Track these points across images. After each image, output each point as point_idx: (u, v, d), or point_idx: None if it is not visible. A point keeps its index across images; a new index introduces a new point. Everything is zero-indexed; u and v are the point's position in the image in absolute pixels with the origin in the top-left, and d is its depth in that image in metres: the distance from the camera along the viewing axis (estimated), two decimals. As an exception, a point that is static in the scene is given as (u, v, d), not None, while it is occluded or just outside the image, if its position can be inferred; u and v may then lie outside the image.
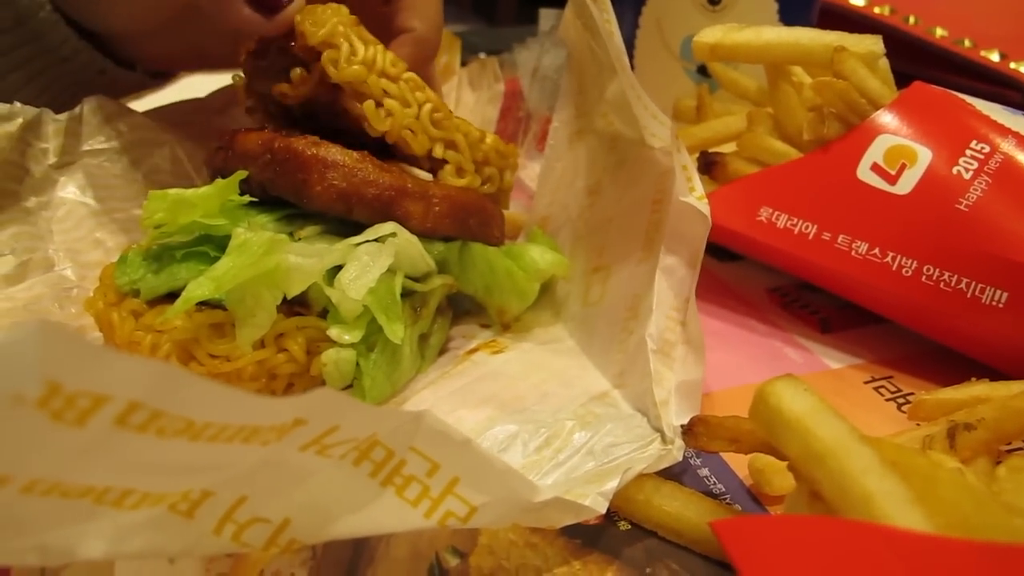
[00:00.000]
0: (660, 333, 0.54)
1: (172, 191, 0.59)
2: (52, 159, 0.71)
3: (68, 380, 0.27)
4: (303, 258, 0.54)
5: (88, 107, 0.73)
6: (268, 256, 0.53)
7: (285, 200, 0.60)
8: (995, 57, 0.98)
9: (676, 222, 0.56)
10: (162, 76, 0.80)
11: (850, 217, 0.61)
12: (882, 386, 0.59)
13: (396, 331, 0.54)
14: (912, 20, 1.04)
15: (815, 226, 0.62)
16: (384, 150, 0.64)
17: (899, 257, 0.59)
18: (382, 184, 0.58)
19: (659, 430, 0.52)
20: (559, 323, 0.65)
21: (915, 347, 0.63)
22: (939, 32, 1.02)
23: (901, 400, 0.58)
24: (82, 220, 0.71)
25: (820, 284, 0.64)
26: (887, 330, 0.64)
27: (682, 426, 0.50)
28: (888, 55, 0.65)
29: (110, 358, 0.27)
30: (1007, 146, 0.59)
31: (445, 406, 0.55)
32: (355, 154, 0.59)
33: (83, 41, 0.71)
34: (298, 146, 0.59)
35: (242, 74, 0.70)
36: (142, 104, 0.80)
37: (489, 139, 0.64)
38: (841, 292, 0.63)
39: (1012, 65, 0.97)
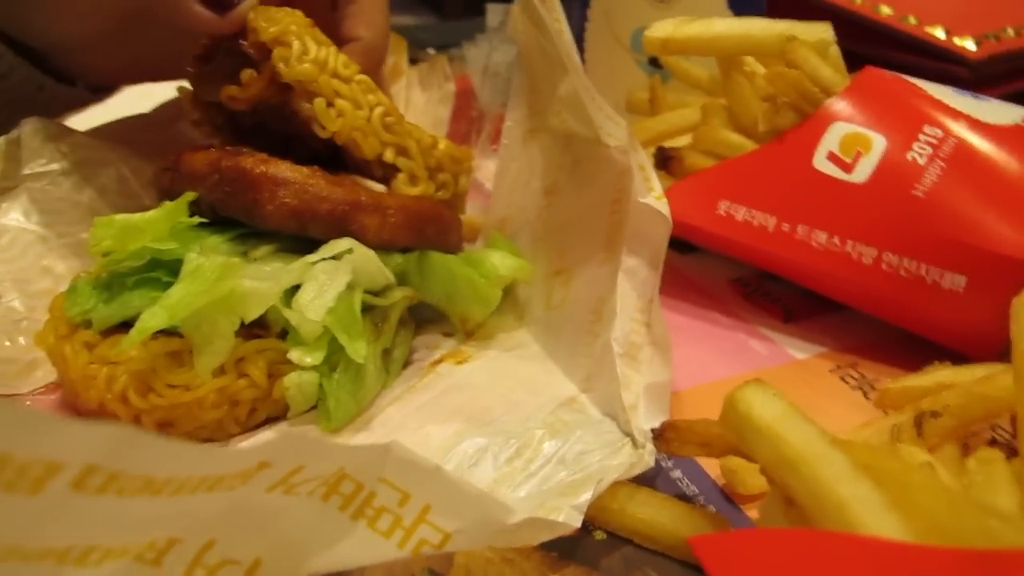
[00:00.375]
0: (625, 336, 0.54)
1: (119, 216, 0.58)
2: (-8, 186, 0.69)
3: (19, 450, 0.26)
4: (259, 281, 0.53)
5: (27, 129, 0.70)
6: (222, 281, 0.52)
7: (237, 220, 0.59)
8: (940, 33, 0.99)
9: (636, 223, 0.56)
10: (103, 90, 0.77)
11: (808, 207, 0.61)
12: (848, 374, 0.60)
13: (358, 350, 0.54)
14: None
15: (774, 217, 0.62)
16: (334, 157, 0.63)
17: (858, 245, 0.59)
18: (335, 199, 0.57)
19: (629, 434, 0.52)
20: (523, 327, 0.64)
21: (877, 333, 0.63)
22: (884, 10, 1.02)
23: (867, 388, 0.59)
24: (28, 247, 0.69)
25: (782, 275, 0.65)
26: (849, 316, 0.65)
27: (653, 431, 0.49)
28: (835, 35, 0.65)
29: (61, 425, 0.26)
30: (959, 130, 0.59)
31: (412, 423, 0.54)
32: (305, 170, 0.58)
33: (19, 58, 0.69)
34: (246, 164, 0.57)
35: (188, 85, 0.68)
36: (83, 120, 0.78)
37: (442, 144, 0.63)
38: (803, 282, 0.64)
39: (957, 41, 0.97)
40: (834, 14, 1.05)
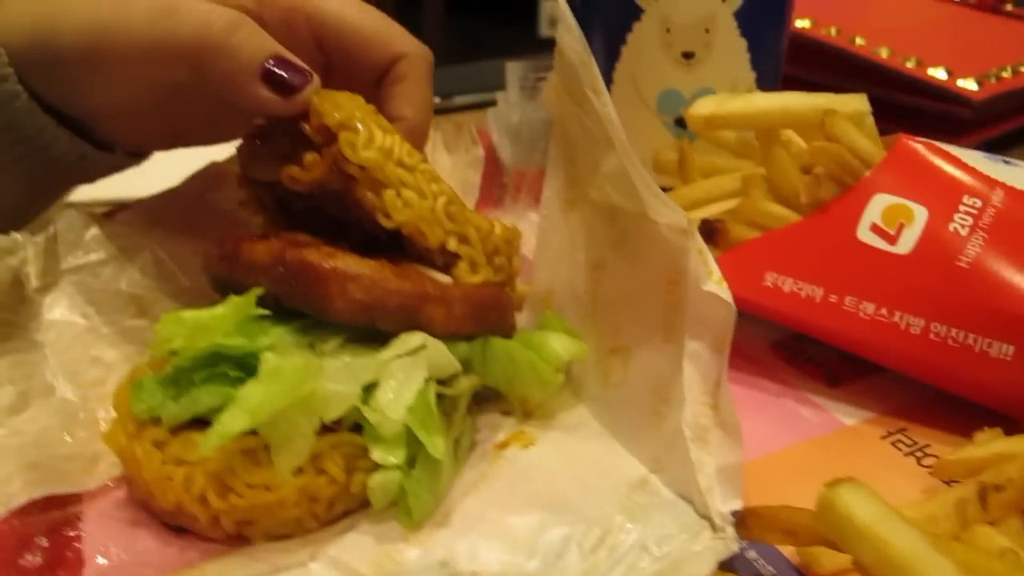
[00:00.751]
0: (695, 419, 0.56)
1: (187, 314, 0.58)
2: (35, 283, 0.69)
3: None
4: (340, 384, 0.54)
5: (63, 223, 0.71)
6: (304, 383, 0.53)
7: (298, 310, 0.59)
8: (941, 75, 1.02)
9: (697, 307, 0.57)
10: (140, 155, 0.78)
11: (855, 278, 0.63)
12: (899, 440, 0.62)
13: (437, 445, 0.55)
14: (858, 41, 1.07)
15: (821, 289, 0.64)
16: (390, 241, 0.64)
17: (906, 316, 0.61)
18: (404, 292, 0.58)
19: (707, 517, 0.54)
20: (580, 404, 0.66)
21: (923, 395, 0.65)
22: (884, 52, 1.05)
23: (920, 454, 0.61)
24: (75, 339, 0.69)
25: (830, 343, 0.67)
26: (893, 378, 0.67)
27: (734, 515, 0.51)
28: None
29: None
30: (996, 199, 0.62)
31: (491, 514, 0.55)
32: (373, 263, 0.59)
33: (61, 128, 0.69)
34: (312, 259, 0.58)
35: (238, 164, 0.69)
36: (113, 184, 0.78)
37: (498, 229, 0.64)
38: (850, 350, 0.66)
39: (959, 82, 1.01)
40: (834, 55, 1.09)
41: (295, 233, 0.65)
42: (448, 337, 0.60)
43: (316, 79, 0.62)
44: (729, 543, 0.51)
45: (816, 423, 0.64)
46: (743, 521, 0.50)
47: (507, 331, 0.64)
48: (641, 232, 0.64)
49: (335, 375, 0.54)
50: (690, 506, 0.55)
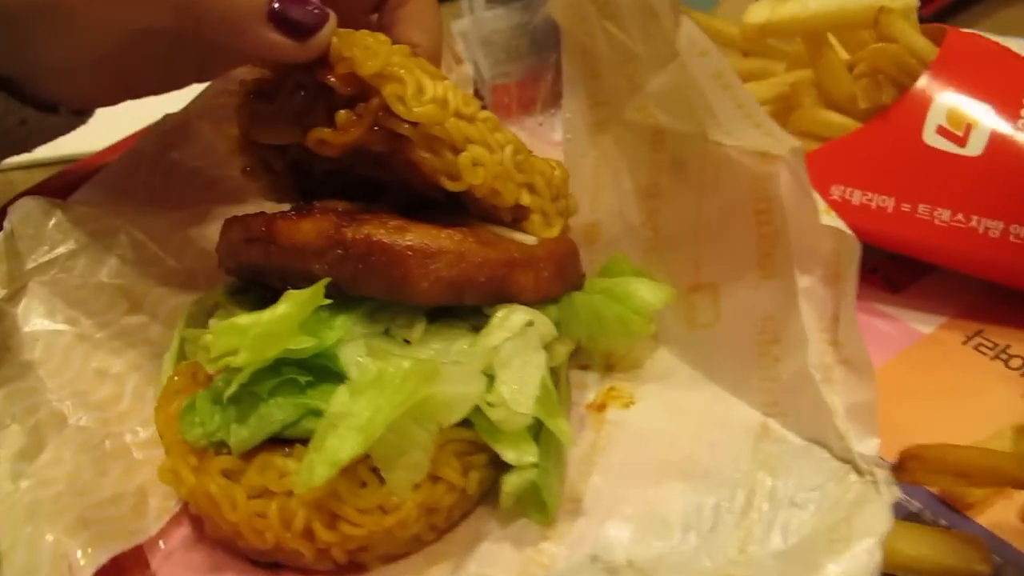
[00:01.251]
0: (819, 359, 0.53)
1: (244, 320, 0.49)
2: (0, 292, 0.57)
3: None
4: (459, 385, 0.47)
5: (17, 217, 0.59)
6: (418, 389, 0.46)
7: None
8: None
9: (800, 238, 0.54)
10: (84, 113, 0.65)
11: (926, 185, 0.61)
12: (980, 344, 0.62)
13: (567, 432, 0.50)
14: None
15: (892, 199, 0.62)
16: (436, 199, 0.56)
17: (984, 220, 0.60)
18: (492, 263, 0.51)
19: (848, 461, 0.51)
20: (661, 347, 0.62)
21: (985, 292, 0.65)
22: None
23: (1004, 356, 0.61)
24: (69, 351, 0.59)
25: (905, 254, 0.65)
26: (948, 276, 0.66)
27: (890, 462, 0.49)
28: None
29: None
30: (1057, 91, 0.61)
31: (626, 492, 0.52)
32: (451, 233, 0.51)
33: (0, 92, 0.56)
34: (380, 236, 0.50)
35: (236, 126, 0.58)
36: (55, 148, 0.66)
37: (558, 170, 0.57)
38: (927, 259, 0.64)
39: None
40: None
41: (330, 201, 0.56)
42: (537, 302, 0.54)
43: (333, 17, 0.52)
44: (889, 488, 0.49)
45: (895, 336, 0.63)
46: (903, 465, 0.48)
47: (581, 282, 0.58)
48: (702, 156, 0.59)
49: (454, 378, 0.47)
50: (825, 450, 0.53)
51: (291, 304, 0.49)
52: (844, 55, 0.65)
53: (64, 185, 0.67)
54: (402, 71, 0.51)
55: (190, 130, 0.71)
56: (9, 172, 0.87)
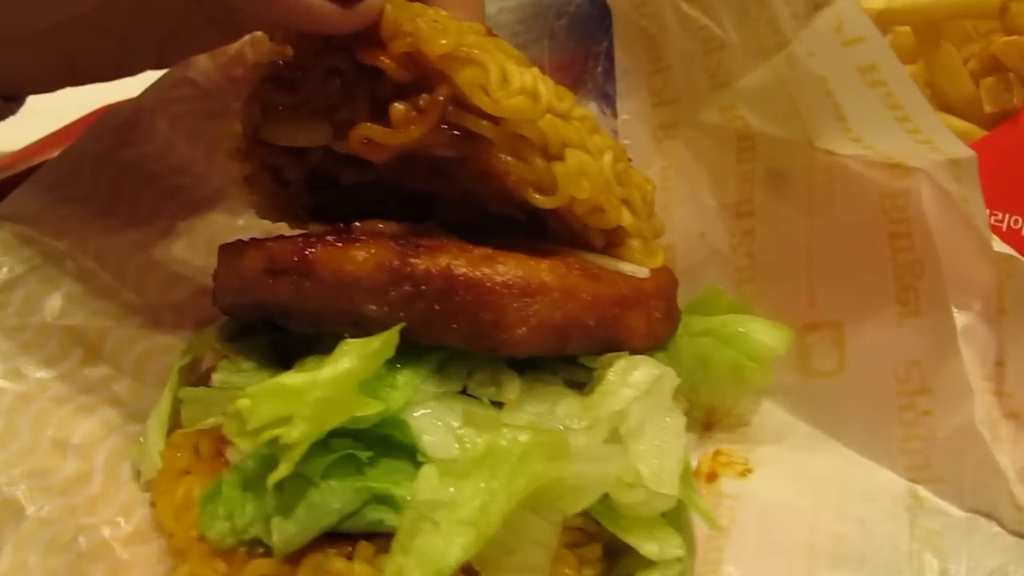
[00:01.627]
0: (986, 413, 0.49)
1: (291, 381, 0.42)
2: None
3: None
4: (591, 463, 0.41)
5: None
6: (545, 470, 0.40)
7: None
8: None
9: (954, 267, 0.51)
10: (15, 100, 0.58)
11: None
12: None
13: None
14: None
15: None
16: (514, 224, 0.50)
17: None
18: (602, 300, 0.46)
19: (1025, 536, 0.48)
20: (766, 399, 0.57)
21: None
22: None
23: None
24: (11, 416, 0.51)
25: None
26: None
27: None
28: None
29: None
30: None
31: (773, 583, 0.46)
32: (555, 265, 0.45)
33: None
34: (463, 268, 0.44)
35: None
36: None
37: (650, 184, 0.52)
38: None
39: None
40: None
41: (372, 222, 0.49)
42: (648, 349, 0.48)
43: None
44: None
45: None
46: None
47: (678, 321, 0.53)
48: (809, 167, 0.56)
49: (587, 454, 0.41)
50: (994, 523, 0.49)
51: (355, 358, 0.42)
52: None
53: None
54: (482, 53, 0.45)
55: (143, 126, 0.63)
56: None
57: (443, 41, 0.44)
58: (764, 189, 0.58)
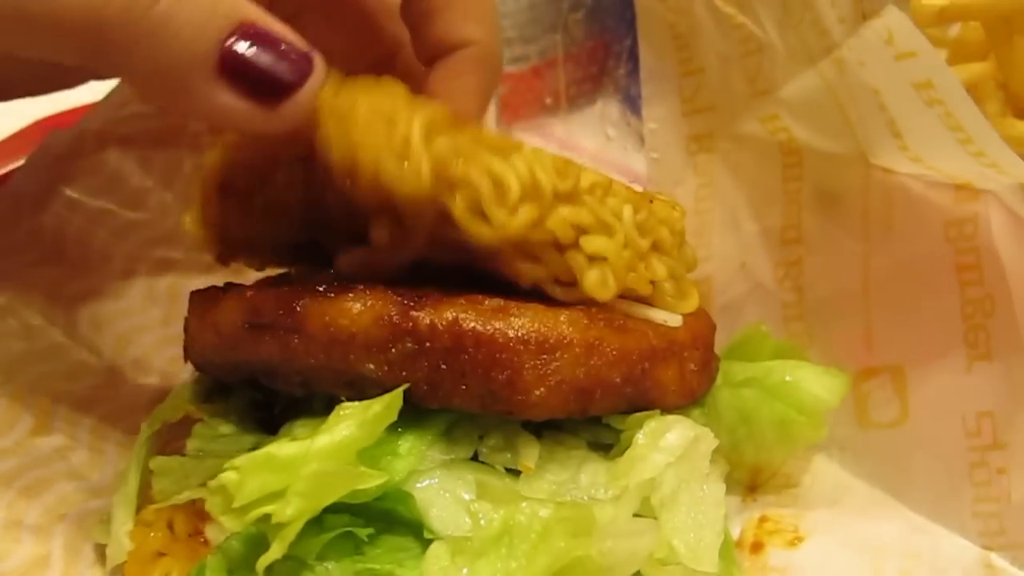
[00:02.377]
0: (1065, 470, 0.55)
1: (282, 451, 0.48)
2: None
3: None
4: (622, 539, 0.46)
5: None
6: (572, 547, 0.45)
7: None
8: None
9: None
10: None
11: None
12: None
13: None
14: None
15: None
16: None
17: None
18: (628, 355, 0.51)
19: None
20: (818, 455, 0.63)
21: None
22: None
23: None
24: None
25: None
26: None
27: None
28: None
29: None
30: None
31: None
32: (576, 316, 0.50)
33: None
34: (472, 322, 0.49)
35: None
36: None
37: (678, 211, 0.58)
38: None
39: None
40: None
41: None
42: (682, 406, 0.54)
43: (319, 64, 0.47)
44: None
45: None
46: None
47: (716, 371, 0.59)
48: (864, 188, 0.62)
49: (611, 525, 0.47)
50: (1074, 592, 0.55)
51: (354, 424, 0.48)
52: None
53: None
54: (466, 164, 0.48)
55: (87, 154, 0.69)
56: None
57: (413, 180, 0.47)
58: (813, 212, 0.64)
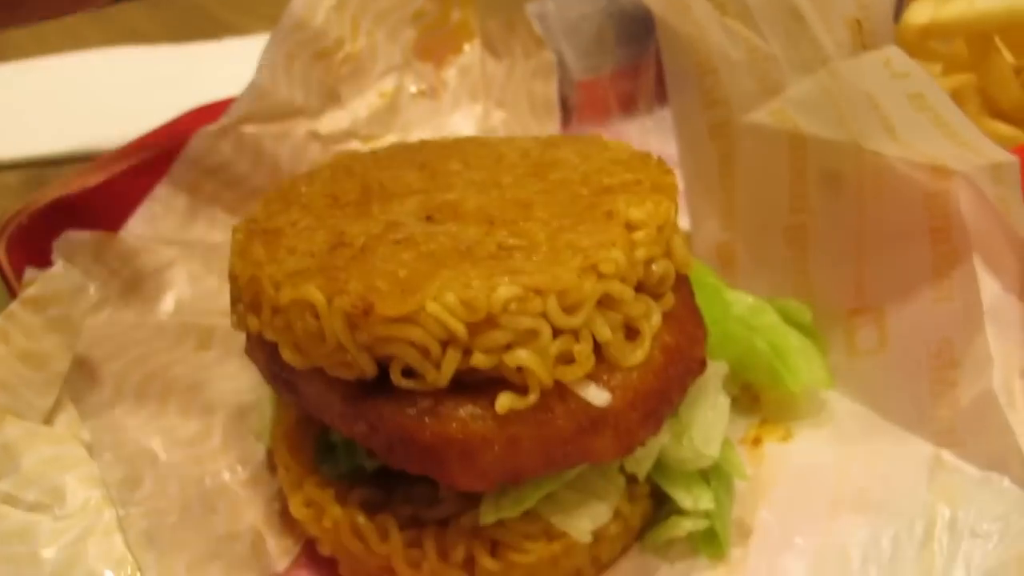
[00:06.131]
0: (1005, 383, 0.72)
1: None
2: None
3: None
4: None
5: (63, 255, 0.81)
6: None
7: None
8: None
9: (986, 257, 0.73)
10: None
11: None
12: None
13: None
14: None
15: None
16: None
17: None
18: (548, 444, 0.61)
19: (1032, 488, 0.71)
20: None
21: None
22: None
23: None
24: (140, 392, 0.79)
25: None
26: None
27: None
28: None
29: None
30: None
31: (798, 525, 0.71)
32: (504, 410, 0.59)
33: None
34: (405, 422, 0.60)
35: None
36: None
37: (662, 210, 0.66)
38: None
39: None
40: None
41: None
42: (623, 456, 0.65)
43: None
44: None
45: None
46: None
47: (700, 369, 0.69)
48: (859, 168, 0.79)
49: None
50: (1005, 478, 0.72)
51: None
52: (1009, 59, 0.84)
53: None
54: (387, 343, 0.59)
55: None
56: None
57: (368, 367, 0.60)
58: (819, 188, 0.81)
